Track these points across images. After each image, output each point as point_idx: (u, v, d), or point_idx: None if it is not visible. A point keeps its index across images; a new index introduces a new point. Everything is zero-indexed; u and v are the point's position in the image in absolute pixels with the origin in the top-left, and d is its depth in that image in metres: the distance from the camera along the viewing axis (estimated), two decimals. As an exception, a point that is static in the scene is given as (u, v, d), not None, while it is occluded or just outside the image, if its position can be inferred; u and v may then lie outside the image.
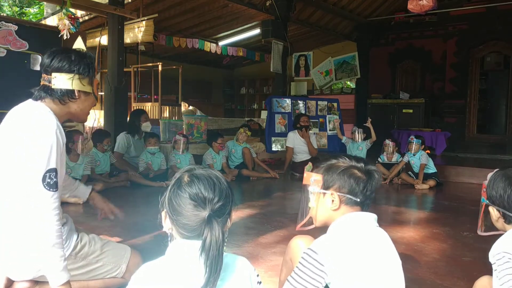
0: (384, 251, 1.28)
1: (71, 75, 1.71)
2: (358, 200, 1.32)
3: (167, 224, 1.13)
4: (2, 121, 1.70)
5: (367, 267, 1.21)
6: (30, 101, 1.72)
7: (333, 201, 1.33)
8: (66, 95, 1.72)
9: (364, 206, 1.34)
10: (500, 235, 1.44)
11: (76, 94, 1.74)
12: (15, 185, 1.58)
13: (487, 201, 1.49)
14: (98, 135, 4.97)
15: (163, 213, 1.13)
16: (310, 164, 1.45)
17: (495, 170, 1.54)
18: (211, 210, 1.06)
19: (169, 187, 1.12)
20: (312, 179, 1.37)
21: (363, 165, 1.35)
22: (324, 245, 1.24)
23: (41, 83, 1.74)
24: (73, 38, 4.85)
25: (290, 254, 1.65)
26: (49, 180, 1.54)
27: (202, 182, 1.08)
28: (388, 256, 1.28)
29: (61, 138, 1.62)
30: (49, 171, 1.55)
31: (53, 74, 1.71)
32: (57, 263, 1.52)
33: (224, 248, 1.14)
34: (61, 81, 1.71)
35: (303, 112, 7.25)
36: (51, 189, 1.54)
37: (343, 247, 1.22)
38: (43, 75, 1.74)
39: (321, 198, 1.36)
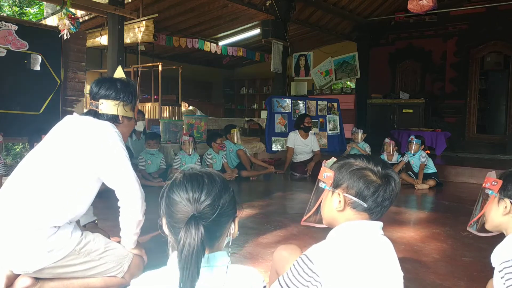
0: (384, 263, 1.20)
1: (116, 102, 1.94)
2: (366, 205, 1.21)
3: (166, 230, 1.09)
4: (62, 128, 1.92)
5: (364, 280, 1.15)
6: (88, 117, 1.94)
7: (340, 201, 1.24)
8: (112, 120, 1.94)
9: (373, 213, 1.23)
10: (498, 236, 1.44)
11: (120, 119, 1.97)
12: (83, 177, 1.79)
13: (499, 195, 1.44)
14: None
15: (163, 219, 1.09)
16: (333, 158, 1.36)
17: (494, 173, 1.53)
18: (196, 210, 1.01)
19: (164, 189, 1.09)
20: (325, 174, 1.29)
21: (380, 169, 1.23)
22: (322, 254, 1.17)
23: (89, 107, 1.97)
24: (73, 38, 4.85)
25: (275, 266, 1.58)
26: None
27: (191, 182, 1.04)
28: (388, 269, 1.20)
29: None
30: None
31: (101, 101, 1.93)
32: (135, 237, 1.94)
33: (229, 254, 1.07)
34: (108, 107, 1.93)
35: (303, 112, 7.25)
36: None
37: (341, 259, 1.16)
38: (91, 101, 1.96)
39: (329, 196, 1.29)
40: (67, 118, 1.96)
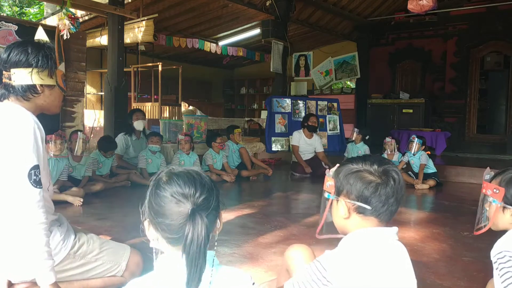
0: (398, 272, 1.17)
1: (29, 69, 1.62)
2: (370, 207, 1.16)
3: (151, 234, 1.05)
4: None
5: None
6: None
7: (344, 209, 1.21)
8: (28, 91, 1.63)
9: (381, 215, 1.17)
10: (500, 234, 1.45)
11: (39, 89, 1.65)
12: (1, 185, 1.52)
13: (501, 203, 1.43)
14: (104, 143, 4.80)
15: (146, 223, 1.06)
16: (337, 165, 1.30)
17: (489, 170, 1.52)
18: (194, 204, 0.99)
19: (148, 191, 1.05)
20: (328, 183, 1.26)
21: (377, 167, 1.17)
22: (335, 262, 1.15)
23: (3, 80, 1.64)
24: (73, 38, 4.85)
25: (286, 265, 1.56)
26: (34, 177, 1.50)
27: (182, 178, 1.02)
28: (401, 278, 1.17)
29: (39, 134, 1.58)
30: (34, 168, 1.51)
31: (12, 70, 1.62)
32: (47, 262, 1.48)
33: (215, 251, 1.06)
34: (21, 76, 1.62)
35: (303, 112, 7.26)
36: (37, 186, 1.50)
37: (354, 267, 1.13)
38: (3, 72, 1.64)
39: (334, 204, 1.25)
40: None
